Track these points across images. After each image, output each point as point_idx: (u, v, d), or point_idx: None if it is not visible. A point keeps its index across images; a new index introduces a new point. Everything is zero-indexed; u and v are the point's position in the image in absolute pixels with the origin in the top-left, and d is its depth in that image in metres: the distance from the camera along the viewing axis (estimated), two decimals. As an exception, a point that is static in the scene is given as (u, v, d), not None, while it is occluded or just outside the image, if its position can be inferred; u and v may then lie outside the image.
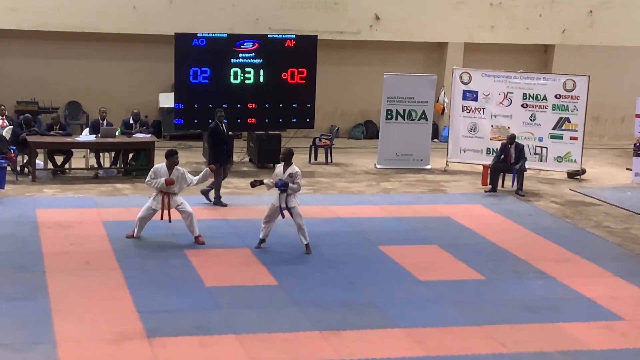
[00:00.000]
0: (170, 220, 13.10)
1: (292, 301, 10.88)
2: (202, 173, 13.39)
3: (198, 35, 18.20)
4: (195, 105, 18.42)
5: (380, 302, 10.96)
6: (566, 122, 18.97)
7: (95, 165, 17.79)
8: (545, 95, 19.00)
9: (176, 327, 9.84)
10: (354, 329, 10.04)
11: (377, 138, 20.06)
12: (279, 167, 12.95)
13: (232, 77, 18.44)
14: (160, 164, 13.27)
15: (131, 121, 18.05)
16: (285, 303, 10.82)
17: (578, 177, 18.99)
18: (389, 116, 19.48)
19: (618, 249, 13.93)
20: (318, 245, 13.25)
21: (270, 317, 10.29)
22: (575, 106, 18.87)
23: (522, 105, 19.16)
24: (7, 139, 17.32)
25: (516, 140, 17.79)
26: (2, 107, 18.81)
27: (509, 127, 18.98)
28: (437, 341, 9.85)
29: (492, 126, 19.32)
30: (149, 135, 17.91)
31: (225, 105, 18.40)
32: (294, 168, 12.89)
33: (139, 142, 17.60)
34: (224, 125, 15.87)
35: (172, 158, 13.09)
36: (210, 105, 18.39)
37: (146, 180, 13.30)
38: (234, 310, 10.45)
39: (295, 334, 9.87)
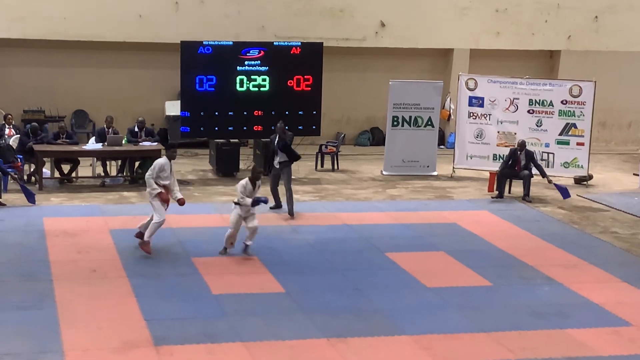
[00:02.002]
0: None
1: (299, 308, 10.87)
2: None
3: (204, 43, 18.24)
4: (202, 113, 18.44)
5: (387, 308, 10.94)
6: (573, 128, 18.94)
7: (102, 174, 17.82)
8: (551, 101, 18.99)
9: (183, 335, 9.84)
10: (361, 335, 10.03)
11: (384, 145, 20.05)
12: (248, 183, 12.85)
13: (238, 85, 18.46)
14: (162, 159, 13.02)
15: (136, 129, 18.07)
16: (292, 310, 10.82)
17: (585, 182, 18.95)
18: (395, 123, 19.48)
19: (625, 254, 13.89)
20: (324, 252, 13.26)
21: (277, 324, 10.29)
22: (581, 112, 18.84)
23: (528, 111, 19.14)
24: (14, 147, 17.39)
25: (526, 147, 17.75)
26: (9, 116, 18.89)
27: (515, 133, 18.97)
28: (445, 347, 9.83)
29: (498, 132, 19.30)
30: (155, 143, 17.93)
31: (231, 113, 18.50)
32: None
33: (146, 150, 17.62)
34: (278, 137, 15.61)
35: (171, 150, 13.08)
36: (216, 113, 18.45)
37: (147, 176, 12.89)
38: (241, 318, 10.45)
39: (302, 341, 9.86)
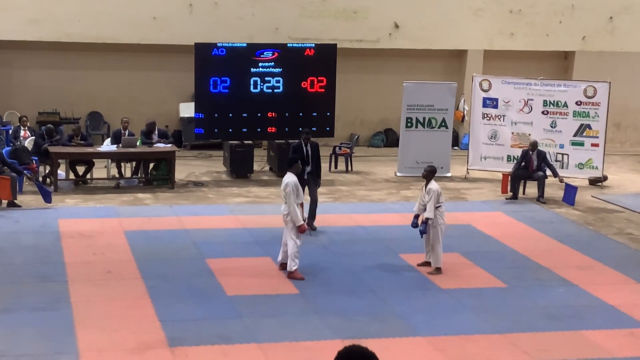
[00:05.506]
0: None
1: (314, 310, 10.87)
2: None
3: (218, 45, 18.27)
4: (216, 115, 18.47)
5: (401, 310, 10.93)
6: (587, 129, 18.87)
7: (117, 175, 17.87)
8: (565, 102, 18.93)
9: (198, 337, 9.86)
10: (375, 337, 10.01)
11: (397, 146, 20.04)
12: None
13: (252, 87, 18.48)
14: (290, 178, 12.02)
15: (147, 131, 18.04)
16: (306, 312, 10.82)
17: (600, 184, 18.88)
18: (409, 124, 19.45)
19: (641, 256, 13.84)
20: (338, 254, 13.25)
21: (291, 326, 10.29)
22: (596, 113, 18.78)
23: (542, 112, 19.09)
24: (29, 149, 17.46)
25: (538, 147, 17.70)
26: (24, 118, 18.97)
27: (529, 134, 18.91)
28: (460, 349, 9.82)
29: (512, 133, 19.25)
30: (170, 145, 17.97)
31: (245, 115, 18.52)
32: None
33: (160, 151, 17.67)
34: (308, 145, 14.75)
35: (296, 166, 12.25)
36: (230, 115, 18.48)
37: (291, 203, 11.77)
38: (256, 319, 10.46)
39: (317, 342, 9.86)
